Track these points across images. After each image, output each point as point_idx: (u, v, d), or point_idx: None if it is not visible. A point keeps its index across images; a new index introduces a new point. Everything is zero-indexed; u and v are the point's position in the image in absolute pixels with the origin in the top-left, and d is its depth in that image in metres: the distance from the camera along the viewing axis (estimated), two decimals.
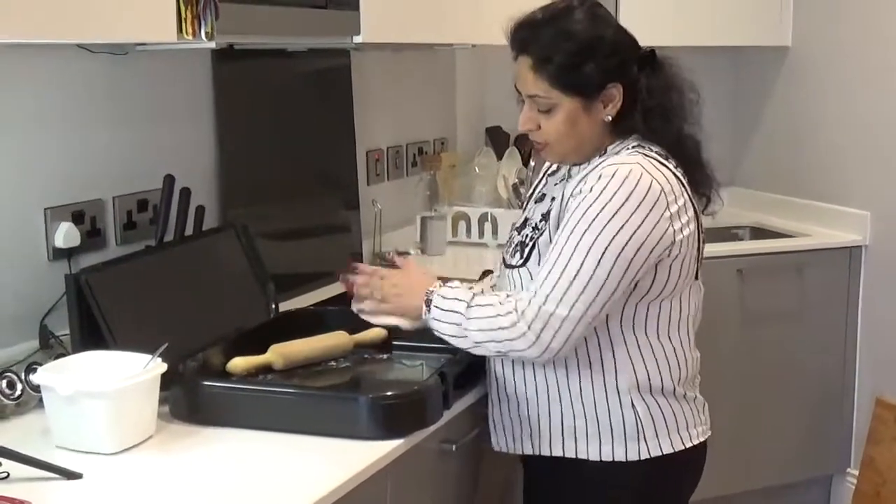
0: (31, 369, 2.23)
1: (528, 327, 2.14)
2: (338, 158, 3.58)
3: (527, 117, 2.28)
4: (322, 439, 2.10)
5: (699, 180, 2.32)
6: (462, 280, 2.47)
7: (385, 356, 2.62)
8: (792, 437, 4.22)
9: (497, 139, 4.52)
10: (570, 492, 2.36)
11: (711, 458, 2.44)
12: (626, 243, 2.12)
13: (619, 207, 2.12)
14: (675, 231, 2.18)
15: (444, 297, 2.25)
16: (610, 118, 2.24)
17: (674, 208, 2.18)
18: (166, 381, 2.16)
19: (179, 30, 2.20)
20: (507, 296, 2.21)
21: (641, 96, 2.25)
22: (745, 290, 4.06)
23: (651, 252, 2.15)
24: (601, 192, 2.14)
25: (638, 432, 2.26)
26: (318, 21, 2.68)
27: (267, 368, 2.45)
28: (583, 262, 2.12)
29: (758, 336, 4.09)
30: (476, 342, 2.21)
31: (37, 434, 2.12)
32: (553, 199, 2.31)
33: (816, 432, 4.26)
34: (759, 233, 4.50)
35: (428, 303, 2.26)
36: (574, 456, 2.30)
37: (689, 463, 2.36)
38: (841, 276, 4.20)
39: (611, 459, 2.27)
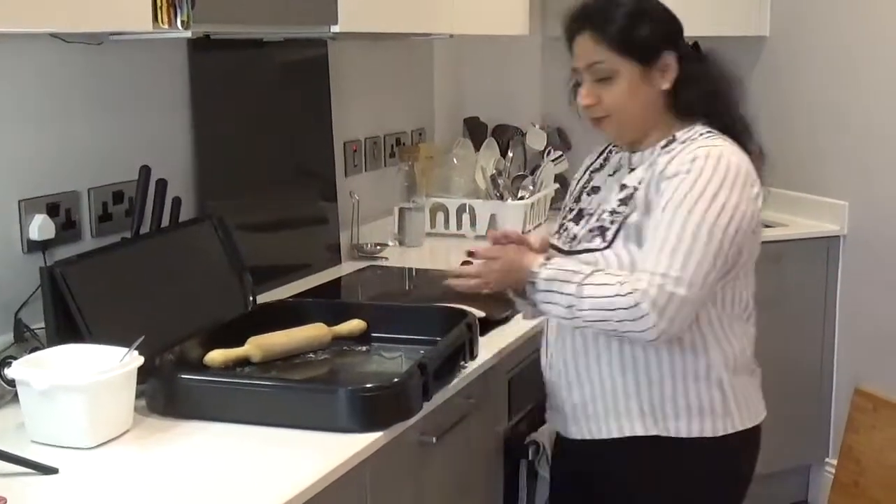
0: (5, 363, 2.20)
1: (652, 308, 2.13)
2: (315, 149, 3.57)
3: (587, 91, 2.32)
4: (301, 432, 2.08)
5: (757, 169, 2.36)
6: None
7: (364, 348, 2.61)
8: (770, 426, 4.17)
9: (475, 130, 4.51)
10: (660, 471, 2.37)
11: None
12: (730, 221, 2.18)
13: (719, 187, 2.18)
14: (757, 211, 2.26)
15: (553, 278, 2.22)
16: (667, 86, 2.30)
17: (756, 189, 2.26)
18: (143, 374, 2.14)
19: (155, 18, 2.17)
20: (623, 275, 2.20)
21: (700, 82, 2.32)
22: None
23: (746, 229, 2.22)
24: (700, 172, 2.19)
25: (727, 409, 2.35)
26: (295, 10, 2.66)
27: (245, 361, 2.44)
28: (693, 241, 2.15)
29: None
30: (587, 321, 2.21)
31: (12, 429, 2.10)
32: (625, 186, 2.31)
33: (795, 422, 4.26)
34: None
35: (533, 280, 2.25)
36: (674, 434, 2.32)
37: (759, 435, 2.49)
38: (819, 265, 4.21)
39: (702, 435, 2.33)
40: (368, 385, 2.16)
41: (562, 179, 4.42)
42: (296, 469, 1.93)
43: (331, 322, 2.61)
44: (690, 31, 2.33)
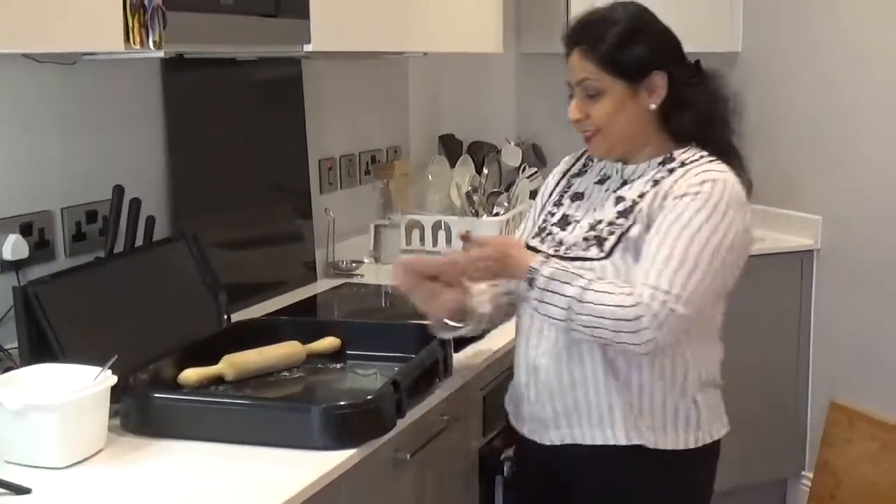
0: None
1: (652, 323, 2.16)
2: (290, 167, 3.57)
3: (576, 106, 2.35)
4: (275, 450, 2.09)
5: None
6: None
7: (338, 365, 2.61)
8: (746, 441, 4.20)
9: (450, 147, 4.52)
10: (634, 481, 2.38)
11: None
12: (731, 247, 2.23)
13: (725, 213, 2.22)
14: (751, 239, 2.32)
15: (555, 277, 2.22)
16: (654, 106, 2.32)
17: (750, 217, 2.30)
18: (117, 393, 2.14)
19: (127, 39, 2.17)
20: (626, 287, 2.21)
21: (692, 105, 2.35)
22: None
23: (743, 255, 2.28)
24: (708, 196, 2.23)
25: (699, 422, 2.38)
26: (268, 30, 2.66)
27: (219, 379, 2.44)
28: (697, 262, 2.19)
29: None
30: (580, 325, 2.21)
31: None
32: (622, 199, 2.33)
33: (771, 436, 4.28)
34: None
35: (531, 280, 2.23)
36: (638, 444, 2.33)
37: (719, 447, 2.48)
38: (793, 279, 4.23)
39: (677, 447, 2.35)
40: (342, 402, 2.17)
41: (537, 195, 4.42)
42: (270, 487, 1.94)
43: (305, 340, 2.61)
44: None
